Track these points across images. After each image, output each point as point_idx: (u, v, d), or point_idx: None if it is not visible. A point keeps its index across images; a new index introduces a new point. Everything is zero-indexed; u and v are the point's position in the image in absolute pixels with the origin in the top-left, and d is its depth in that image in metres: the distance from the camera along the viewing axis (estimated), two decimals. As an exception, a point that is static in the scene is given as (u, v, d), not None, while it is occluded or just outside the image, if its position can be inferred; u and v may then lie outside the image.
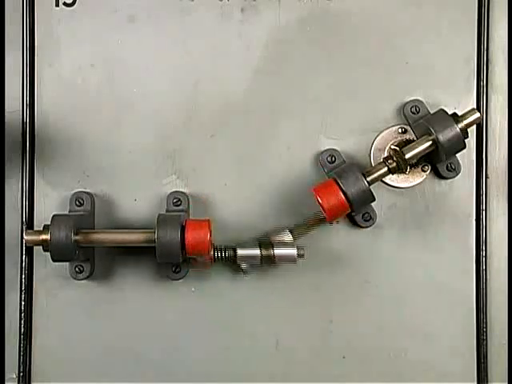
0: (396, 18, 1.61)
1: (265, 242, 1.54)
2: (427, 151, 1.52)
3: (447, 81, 1.61)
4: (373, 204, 1.55)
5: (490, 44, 1.60)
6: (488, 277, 1.60)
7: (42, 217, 1.60)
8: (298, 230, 1.57)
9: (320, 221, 1.56)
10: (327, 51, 1.61)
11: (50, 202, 1.61)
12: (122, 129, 1.62)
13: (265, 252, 1.53)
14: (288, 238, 1.54)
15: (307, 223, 1.57)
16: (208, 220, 1.49)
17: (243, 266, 1.55)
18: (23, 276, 1.60)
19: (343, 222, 1.60)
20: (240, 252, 1.53)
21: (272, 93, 1.61)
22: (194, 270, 1.57)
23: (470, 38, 1.61)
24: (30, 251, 1.60)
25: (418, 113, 1.58)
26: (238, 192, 1.61)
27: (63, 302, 1.62)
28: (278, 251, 1.53)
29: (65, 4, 1.61)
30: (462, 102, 1.60)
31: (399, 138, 1.60)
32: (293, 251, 1.53)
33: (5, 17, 1.59)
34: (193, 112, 1.61)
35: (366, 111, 1.61)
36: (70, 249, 1.47)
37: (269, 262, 1.54)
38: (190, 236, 1.46)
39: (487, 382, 1.60)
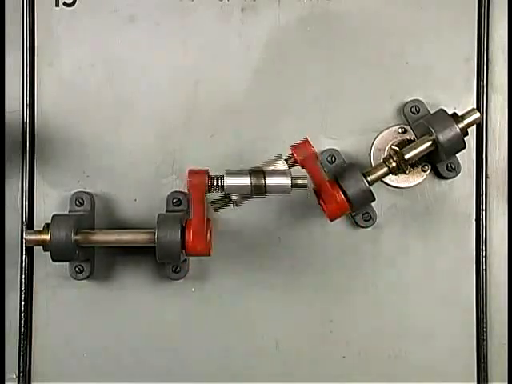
0: (396, 18, 1.61)
1: (256, 171, 1.44)
2: (427, 151, 1.52)
3: (447, 81, 1.61)
4: (373, 204, 1.56)
5: (490, 44, 1.60)
6: (488, 277, 1.60)
7: (42, 217, 1.60)
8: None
9: None
10: (327, 51, 1.61)
11: (50, 202, 1.61)
12: (121, 129, 1.62)
13: (255, 181, 1.43)
14: (283, 166, 1.45)
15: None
16: (208, 220, 1.49)
17: (233, 196, 1.45)
18: (23, 276, 1.60)
19: (343, 222, 1.60)
20: (229, 181, 1.43)
21: (272, 93, 1.61)
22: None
23: (469, 38, 1.61)
24: (29, 251, 1.60)
25: (417, 113, 1.58)
26: (238, 192, 1.61)
27: (63, 302, 1.62)
28: (269, 181, 1.43)
29: (65, 4, 1.61)
30: (462, 102, 1.60)
31: (399, 138, 1.60)
32: (286, 181, 1.43)
33: (5, 17, 1.59)
34: (193, 112, 1.61)
35: (366, 111, 1.61)
36: (70, 249, 1.47)
37: (260, 192, 1.43)
38: (190, 236, 1.46)
39: (487, 382, 1.60)
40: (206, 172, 1.44)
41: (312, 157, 1.44)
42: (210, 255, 1.48)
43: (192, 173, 1.44)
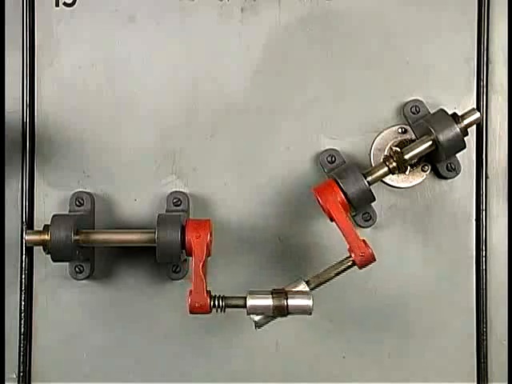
0: (396, 18, 1.61)
1: (278, 291, 1.45)
2: (427, 151, 1.52)
3: (447, 81, 1.61)
4: (373, 204, 1.55)
5: (489, 44, 1.60)
6: (488, 277, 1.60)
7: (41, 217, 1.60)
8: (316, 280, 1.47)
9: (347, 268, 1.47)
10: (327, 51, 1.61)
11: (50, 202, 1.61)
12: (122, 129, 1.62)
13: (277, 302, 1.43)
14: (303, 287, 1.45)
15: (331, 271, 1.47)
16: (208, 220, 1.49)
17: (255, 318, 1.45)
18: (23, 276, 1.60)
19: (343, 222, 1.60)
20: (251, 302, 1.43)
21: (272, 93, 1.61)
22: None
23: (470, 38, 1.61)
24: (29, 251, 1.60)
25: (418, 113, 1.58)
26: (237, 192, 1.61)
27: (63, 302, 1.62)
28: (291, 301, 1.43)
29: (65, 4, 1.61)
30: (462, 102, 1.60)
31: (399, 138, 1.60)
32: (308, 302, 1.43)
33: (5, 17, 1.59)
34: (193, 112, 1.61)
35: (366, 111, 1.61)
36: (70, 249, 1.47)
37: (282, 312, 1.43)
38: (190, 236, 1.46)
39: (487, 381, 1.60)
40: (208, 292, 1.45)
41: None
42: (209, 255, 1.48)
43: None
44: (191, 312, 1.44)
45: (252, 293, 1.45)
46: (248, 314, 1.45)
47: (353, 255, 1.45)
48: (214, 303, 1.44)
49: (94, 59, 1.62)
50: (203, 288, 1.44)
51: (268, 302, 1.43)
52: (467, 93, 1.61)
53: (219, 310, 1.45)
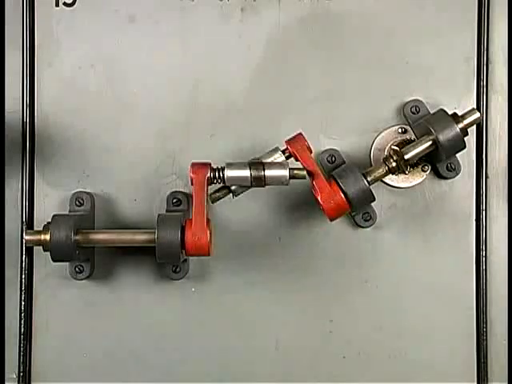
0: (396, 18, 1.61)
1: (255, 163, 1.47)
2: (427, 151, 1.52)
3: (447, 81, 1.61)
4: (373, 204, 1.55)
5: (489, 44, 1.60)
6: (488, 277, 1.60)
7: (42, 217, 1.60)
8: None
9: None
10: (327, 51, 1.61)
11: (50, 202, 1.61)
12: (122, 129, 1.62)
13: (255, 173, 1.46)
14: (279, 156, 1.48)
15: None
16: (208, 220, 1.49)
17: (233, 187, 1.49)
18: (23, 276, 1.60)
19: (343, 222, 1.60)
20: (229, 173, 1.46)
21: (272, 93, 1.61)
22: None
23: (470, 38, 1.61)
24: (29, 251, 1.60)
25: (417, 113, 1.58)
26: (238, 192, 1.61)
27: (63, 301, 1.62)
28: (268, 172, 1.46)
29: (65, 4, 1.61)
30: (462, 102, 1.60)
31: (399, 138, 1.60)
32: (284, 172, 1.46)
33: (5, 17, 1.59)
34: (193, 112, 1.61)
35: (366, 111, 1.61)
36: (70, 249, 1.47)
37: (259, 183, 1.47)
38: (190, 236, 1.46)
39: (487, 381, 1.60)
40: (209, 164, 1.46)
41: (305, 148, 1.47)
42: (209, 255, 1.48)
43: (195, 165, 1.47)
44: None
45: (230, 164, 1.47)
46: (226, 184, 1.47)
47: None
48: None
49: (94, 59, 1.62)
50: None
51: (246, 172, 1.46)
52: (467, 93, 1.61)
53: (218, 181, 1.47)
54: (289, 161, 1.48)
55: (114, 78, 1.62)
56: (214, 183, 1.48)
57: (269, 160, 1.48)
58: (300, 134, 1.49)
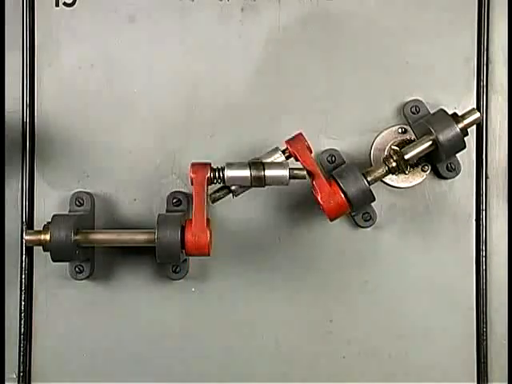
0: (396, 18, 1.61)
1: (255, 163, 1.47)
2: (427, 151, 1.52)
3: (447, 81, 1.61)
4: (373, 204, 1.55)
5: (489, 44, 1.60)
6: (488, 277, 1.60)
7: (42, 217, 1.60)
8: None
9: None
10: (327, 51, 1.61)
11: (50, 202, 1.61)
12: (122, 129, 1.62)
13: (255, 173, 1.45)
14: (279, 156, 1.48)
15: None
16: (208, 220, 1.49)
17: (233, 187, 1.48)
18: (23, 276, 1.60)
19: (343, 222, 1.60)
20: (229, 173, 1.46)
21: (272, 93, 1.61)
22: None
23: (470, 38, 1.61)
24: (29, 251, 1.60)
25: (417, 113, 1.58)
26: (237, 192, 1.61)
27: (63, 301, 1.62)
28: (268, 172, 1.46)
29: (65, 4, 1.61)
30: (462, 102, 1.60)
31: (399, 138, 1.60)
32: (284, 172, 1.45)
33: (5, 17, 1.59)
34: (193, 112, 1.61)
35: (366, 111, 1.61)
36: (70, 249, 1.47)
37: (260, 183, 1.46)
38: (190, 236, 1.46)
39: (487, 381, 1.60)
40: (209, 164, 1.46)
41: (305, 148, 1.47)
42: (209, 255, 1.48)
43: (195, 165, 1.47)
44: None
45: (230, 164, 1.47)
46: (226, 184, 1.47)
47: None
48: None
49: (93, 59, 1.62)
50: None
51: (246, 172, 1.45)
52: (467, 93, 1.61)
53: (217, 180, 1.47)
54: (289, 161, 1.48)
55: (114, 78, 1.62)
56: (213, 183, 1.47)
57: (269, 160, 1.48)
58: (300, 133, 1.49)
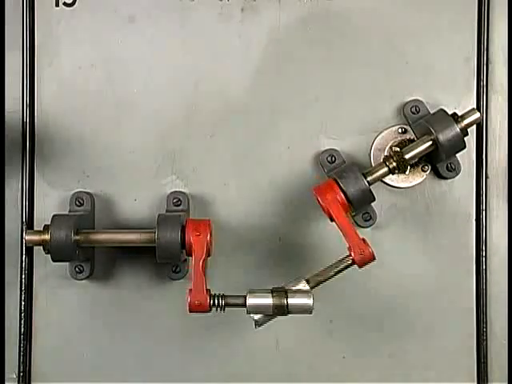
0: (396, 18, 1.61)
1: (278, 290, 1.44)
2: (427, 151, 1.52)
3: (447, 81, 1.61)
4: (373, 204, 1.55)
5: (489, 44, 1.60)
6: (488, 277, 1.60)
7: (42, 217, 1.60)
8: (316, 278, 1.46)
9: (346, 267, 1.46)
10: (327, 51, 1.61)
11: (50, 202, 1.61)
12: (122, 129, 1.62)
13: (277, 301, 1.42)
14: (303, 285, 1.45)
15: (331, 269, 1.47)
16: (208, 220, 1.49)
17: (255, 317, 1.45)
18: (23, 276, 1.60)
19: (343, 222, 1.60)
20: (251, 301, 1.43)
21: (272, 93, 1.61)
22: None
23: (470, 38, 1.61)
24: (29, 251, 1.60)
25: (417, 113, 1.58)
26: (238, 192, 1.61)
27: (63, 302, 1.62)
28: (292, 300, 1.43)
29: (65, 4, 1.61)
30: (462, 102, 1.60)
31: (399, 138, 1.60)
32: (308, 301, 1.43)
33: (5, 17, 1.59)
34: (193, 112, 1.61)
35: (366, 111, 1.61)
36: (70, 249, 1.47)
37: (282, 311, 1.43)
38: (190, 235, 1.46)
39: (487, 381, 1.60)
40: (208, 290, 1.45)
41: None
42: (209, 255, 1.48)
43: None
44: (191, 310, 1.44)
45: (252, 291, 1.44)
46: (248, 312, 1.44)
47: (352, 254, 1.45)
48: (214, 302, 1.44)
49: (93, 59, 1.62)
50: (203, 286, 1.44)
51: (268, 300, 1.43)
52: (467, 93, 1.61)
53: (219, 308, 1.44)
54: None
55: (114, 77, 1.62)
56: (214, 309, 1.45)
57: (292, 288, 1.44)
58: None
